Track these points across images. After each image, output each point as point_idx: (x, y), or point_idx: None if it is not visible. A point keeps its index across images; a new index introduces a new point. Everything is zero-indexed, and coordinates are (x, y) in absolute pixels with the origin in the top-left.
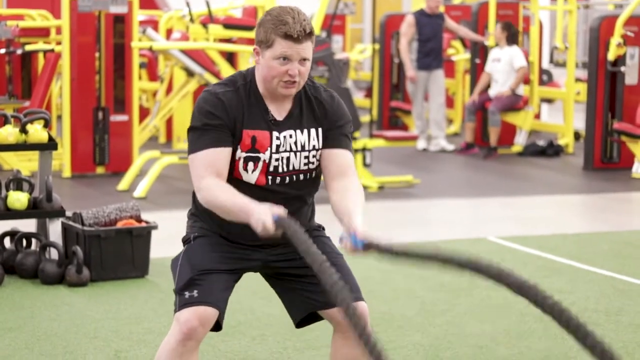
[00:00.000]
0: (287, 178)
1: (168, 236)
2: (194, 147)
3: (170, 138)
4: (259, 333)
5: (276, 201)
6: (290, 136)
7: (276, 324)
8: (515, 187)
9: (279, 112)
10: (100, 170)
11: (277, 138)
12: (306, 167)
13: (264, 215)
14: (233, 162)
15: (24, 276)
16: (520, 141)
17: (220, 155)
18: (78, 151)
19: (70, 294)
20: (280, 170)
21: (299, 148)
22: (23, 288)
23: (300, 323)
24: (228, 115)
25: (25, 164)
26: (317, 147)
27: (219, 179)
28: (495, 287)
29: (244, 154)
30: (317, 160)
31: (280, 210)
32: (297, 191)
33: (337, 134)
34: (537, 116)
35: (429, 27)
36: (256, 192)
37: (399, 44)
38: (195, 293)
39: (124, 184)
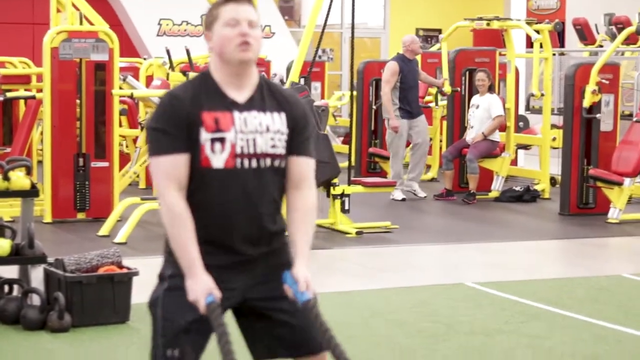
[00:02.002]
0: (255, 161)
1: (149, 282)
2: (155, 150)
3: (151, 184)
4: None
5: (246, 192)
6: (255, 117)
7: None
8: (492, 233)
9: (238, 97)
10: (81, 215)
11: (240, 118)
12: (273, 151)
13: (201, 290)
14: (199, 149)
15: (5, 322)
16: (497, 187)
17: (181, 162)
18: (59, 197)
19: (52, 339)
20: (246, 151)
21: (264, 129)
22: (5, 334)
23: None
24: (185, 107)
25: (7, 209)
26: (281, 131)
27: (183, 198)
28: (473, 333)
29: (209, 135)
30: (284, 147)
31: (218, 296)
32: (269, 177)
33: (298, 139)
34: (514, 162)
35: (411, 74)
36: (225, 181)
37: (382, 91)
38: (176, 353)
39: (104, 229)
